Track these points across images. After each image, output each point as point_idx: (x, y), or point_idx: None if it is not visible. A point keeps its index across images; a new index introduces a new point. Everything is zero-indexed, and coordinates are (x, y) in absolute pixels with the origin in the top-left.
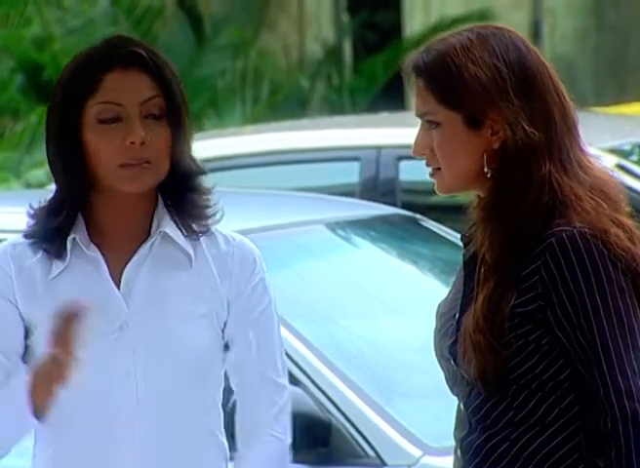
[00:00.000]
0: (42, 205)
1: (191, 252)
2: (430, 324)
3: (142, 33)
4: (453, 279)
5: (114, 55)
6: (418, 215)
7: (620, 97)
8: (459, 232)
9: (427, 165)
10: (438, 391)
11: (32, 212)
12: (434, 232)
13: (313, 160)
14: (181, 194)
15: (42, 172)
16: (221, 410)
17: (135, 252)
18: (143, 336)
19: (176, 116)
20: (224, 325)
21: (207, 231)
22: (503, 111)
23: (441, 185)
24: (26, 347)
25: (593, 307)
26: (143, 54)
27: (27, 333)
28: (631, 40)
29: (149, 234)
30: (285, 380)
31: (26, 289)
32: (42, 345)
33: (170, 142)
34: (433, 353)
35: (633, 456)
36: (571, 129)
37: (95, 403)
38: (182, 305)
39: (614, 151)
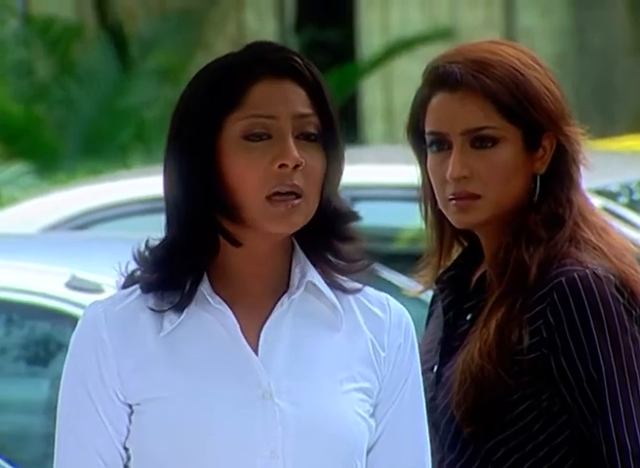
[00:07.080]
0: (153, 247)
1: (341, 308)
2: None
3: (59, 57)
4: None
5: (263, 61)
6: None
7: (607, 128)
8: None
9: (461, 190)
10: None
11: (139, 256)
12: (391, 283)
13: None
14: (327, 241)
15: None
16: None
17: (271, 307)
18: (292, 411)
19: (334, 140)
20: (376, 401)
21: (360, 291)
22: (571, 128)
23: (473, 216)
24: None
25: (604, 357)
26: (299, 62)
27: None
28: (616, 65)
29: (287, 285)
30: None
31: (136, 358)
32: (153, 424)
33: (323, 172)
34: None
35: None
36: None
37: None
38: (333, 374)
39: (600, 193)
